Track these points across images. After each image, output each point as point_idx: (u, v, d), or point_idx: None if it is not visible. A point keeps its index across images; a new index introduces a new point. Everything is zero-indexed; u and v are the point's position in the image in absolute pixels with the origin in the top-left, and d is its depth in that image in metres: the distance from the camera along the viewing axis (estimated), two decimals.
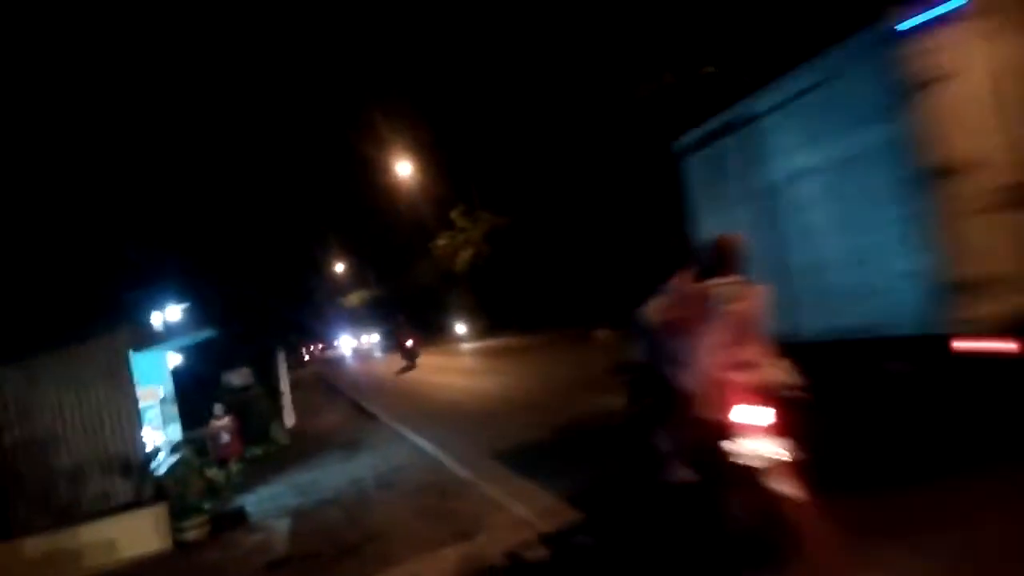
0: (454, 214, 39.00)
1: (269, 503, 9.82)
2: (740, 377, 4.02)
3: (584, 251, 27.44)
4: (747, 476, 3.90)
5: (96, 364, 8.62)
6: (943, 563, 3.88)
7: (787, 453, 3.84)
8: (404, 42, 31.67)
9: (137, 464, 8.66)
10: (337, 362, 56.64)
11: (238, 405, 14.85)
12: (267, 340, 19.00)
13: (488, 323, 40.60)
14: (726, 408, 4.02)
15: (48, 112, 13.95)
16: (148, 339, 11.17)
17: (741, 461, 3.95)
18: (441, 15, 28.49)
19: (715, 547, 4.16)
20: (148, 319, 12.52)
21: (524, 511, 6.43)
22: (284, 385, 18.10)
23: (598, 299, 27.06)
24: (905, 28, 4.86)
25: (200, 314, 15.78)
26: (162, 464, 9.26)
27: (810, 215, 6.05)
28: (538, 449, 9.00)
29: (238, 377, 16.34)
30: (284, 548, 7.47)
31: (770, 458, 3.86)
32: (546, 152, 27.77)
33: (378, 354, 48.27)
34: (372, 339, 57.15)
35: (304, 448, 14.18)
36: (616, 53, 20.50)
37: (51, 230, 12.60)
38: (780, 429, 3.88)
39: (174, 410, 12.29)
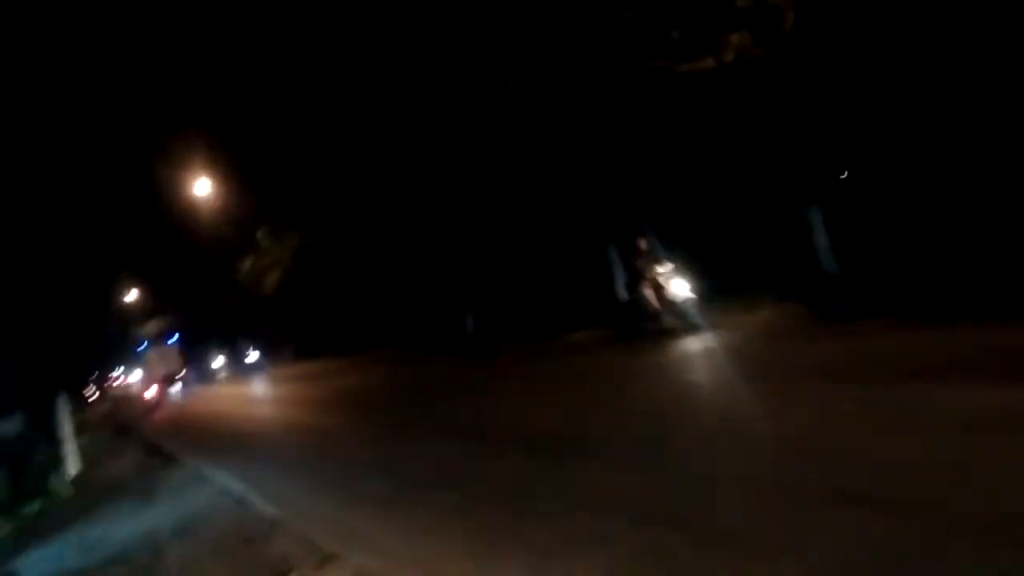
0: (259, 235, 37.30)
1: (46, 565, 8.76)
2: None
3: (398, 269, 27.20)
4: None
5: None
6: None
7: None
8: (196, 62, 29.78)
9: None
10: (135, 397, 52.20)
11: (9, 457, 13.28)
12: (43, 382, 17.10)
13: (299, 346, 39.11)
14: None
15: None
16: None
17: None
18: (235, 35, 27.09)
19: None
20: None
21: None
22: (66, 430, 16.34)
23: (409, 317, 26.98)
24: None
25: None
26: None
27: None
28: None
29: (8, 426, 14.59)
30: None
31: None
32: (358, 168, 27.18)
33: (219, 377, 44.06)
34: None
35: (91, 499, 12.82)
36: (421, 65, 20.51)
37: None
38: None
39: None
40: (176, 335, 43.67)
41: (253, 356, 39.07)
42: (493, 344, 20.43)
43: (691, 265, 13.09)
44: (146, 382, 39.25)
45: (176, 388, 38.39)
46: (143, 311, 55.94)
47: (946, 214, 10.97)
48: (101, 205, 38.10)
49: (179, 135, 31.65)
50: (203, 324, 46.32)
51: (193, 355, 45.41)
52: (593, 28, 14.78)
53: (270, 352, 39.29)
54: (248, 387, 30.00)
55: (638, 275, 13.74)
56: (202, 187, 34.13)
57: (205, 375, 44.11)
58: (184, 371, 39.79)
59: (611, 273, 18.04)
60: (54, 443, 15.38)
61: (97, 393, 63.70)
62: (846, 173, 13.35)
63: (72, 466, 15.72)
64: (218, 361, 44.67)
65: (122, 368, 71.37)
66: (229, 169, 33.19)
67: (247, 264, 38.64)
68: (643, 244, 13.71)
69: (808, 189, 13.12)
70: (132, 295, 55.18)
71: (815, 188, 13.11)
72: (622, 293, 17.76)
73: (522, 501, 6.11)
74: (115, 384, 75.83)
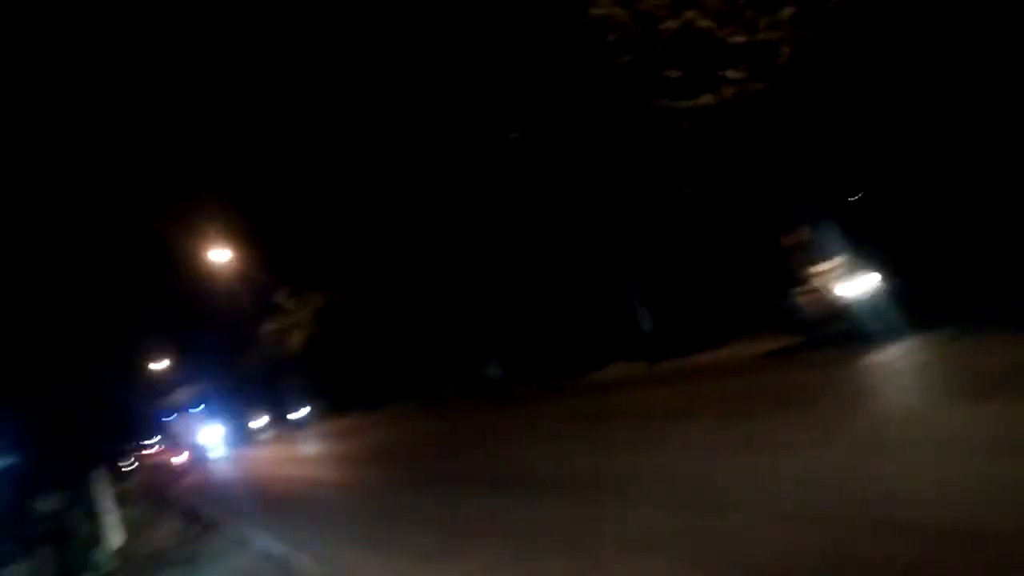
0: (281, 297, 37.78)
1: None
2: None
3: (422, 320, 27.46)
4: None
5: None
6: None
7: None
8: (210, 129, 30.66)
9: None
10: (169, 466, 52.67)
11: (52, 533, 13.49)
12: (82, 457, 17.39)
13: (329, 404, 39.35)
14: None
15: None
16: None
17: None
18: (251, 102, 27.91)
19: None
20: None
21: None
22: (106, 503, 16.54)
23: (437, 367, 27.15)
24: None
25: None
26: None
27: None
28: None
29: (50, 502, 14.82)
30: None
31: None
32: (375, 222, 27.60)
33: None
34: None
35: (135, 571, 12.98)
36: (423, 127, 21.07)
37: None
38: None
39: None
40: (202, 403, 45.66)
41: (298, 414, 39.26)
42: (524, 387, 20.50)
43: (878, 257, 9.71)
44: (178, 450, 40.42)
45: (207, 454, 39.71)
46: (172, 380, 56.53)
47: (961, 224, 11.09)
48: (121, 281, 38.77)
49: (195, 201, 32.32)
50: (234, 388, 46.72)
51: (229, 418, 45.77)
52: (594, 73, 15.18)
53: (305, 410, 39.67)
54: (286, 446, 30.13)
55: (793, 277, 10.46)
56: (220, 253, 34.70)
57: (246, 437, 44.34)
58: (215, 437, 41.79)
59: (632, 309, 18.19)
60: (95, 517, 15.56)
61: (134, 464, 64.12)
62: (860, 194, 13.50)
63: (114, 538, 15.86)
64: (259, 421, 44.87)
65: (155, 438, 71.95)
66: (246, 233, 33.75)
67: (271, 325, 39.06)
68: (796, 239, 10.56)
69: (819, 210, 13.28)
70: (160, 365, 55.84)
71: (827, 209, 13.26)
72: (646, 326, 17.88)
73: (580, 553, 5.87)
74: (150, 454, 76.36)
